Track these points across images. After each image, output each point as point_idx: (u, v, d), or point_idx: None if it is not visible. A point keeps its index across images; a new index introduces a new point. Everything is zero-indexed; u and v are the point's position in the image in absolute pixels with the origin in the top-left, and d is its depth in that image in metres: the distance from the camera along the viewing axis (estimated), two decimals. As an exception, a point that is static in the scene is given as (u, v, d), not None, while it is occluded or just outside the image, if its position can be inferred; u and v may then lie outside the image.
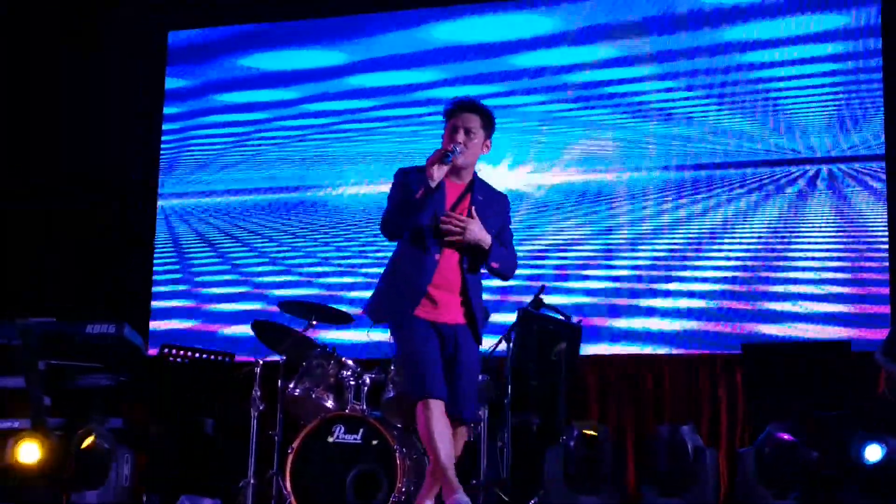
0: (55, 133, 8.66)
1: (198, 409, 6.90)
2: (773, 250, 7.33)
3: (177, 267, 8.44)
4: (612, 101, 7.76)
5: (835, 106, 7.36)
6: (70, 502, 6.20)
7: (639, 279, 7.45)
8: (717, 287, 7.26)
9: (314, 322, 6.33)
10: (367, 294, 4.80)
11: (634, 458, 6.95)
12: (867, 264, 7.12)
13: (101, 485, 6.01)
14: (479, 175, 4.75)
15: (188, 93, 8.71)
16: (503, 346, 5.95)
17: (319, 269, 8.14)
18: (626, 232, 7.65)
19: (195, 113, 8.67)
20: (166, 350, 6.56)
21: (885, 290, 6.94)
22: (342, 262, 8.09)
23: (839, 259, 7.20)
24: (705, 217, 7.55)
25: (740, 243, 7.41)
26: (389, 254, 4.75)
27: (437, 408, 4.46)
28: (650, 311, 7.33)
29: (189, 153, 8.66)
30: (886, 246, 7.02)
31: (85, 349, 6.38)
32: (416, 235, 4.55)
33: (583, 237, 7.72)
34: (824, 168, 7.35)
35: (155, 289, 8.35)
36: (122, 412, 6.71)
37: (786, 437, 5.57)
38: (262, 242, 8.37)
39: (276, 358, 6.33)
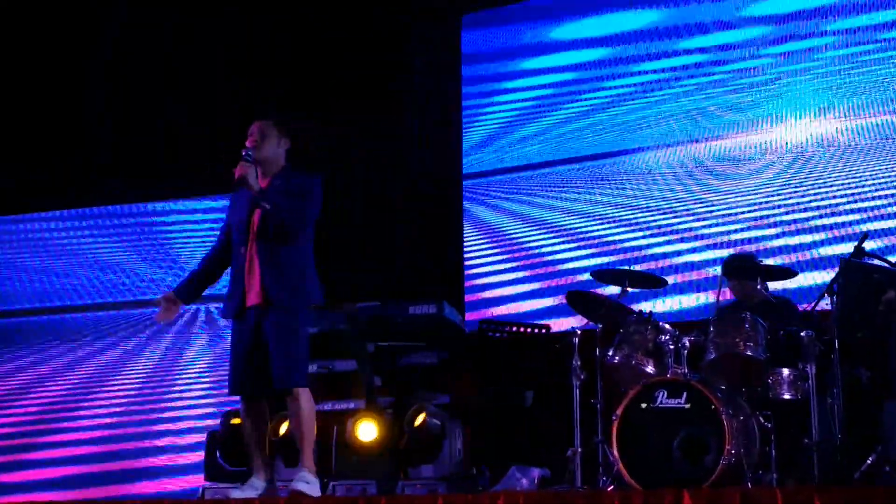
0: (363, 123, 9.07)
1: (518, 381, 7.05)
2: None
3: (486, 245, 8.64)
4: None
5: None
6: (407, 476, 6.51)
7: None
8: None
9: (628, 288, 6.32)
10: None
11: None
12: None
13: (436, 459, 6.26)
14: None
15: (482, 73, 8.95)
16: (826, 300, 5.76)
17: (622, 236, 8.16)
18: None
19: (491, 92, 8.89)
20: (485, 326, 6.74)
21: None
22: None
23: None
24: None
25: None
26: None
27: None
28: None
29: (485, 131, 8.86)
30: None
31: (409, 329, 6.65)
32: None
33: None
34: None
35: (467, 265, 8.58)
36: (447, 388, 6.95)
37: None
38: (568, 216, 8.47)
39: (593, 327, 6.37)
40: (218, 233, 5.74)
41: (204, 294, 5.65)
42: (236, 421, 6.58)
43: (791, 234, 7.50)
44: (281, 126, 5.62)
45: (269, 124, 5.58)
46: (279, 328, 5.30)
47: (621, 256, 7.96)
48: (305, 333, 5.39)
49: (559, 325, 7.48)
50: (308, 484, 5.27)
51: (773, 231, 7.57)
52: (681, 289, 7.60)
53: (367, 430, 6.48)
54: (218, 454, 6.78)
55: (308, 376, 5.41)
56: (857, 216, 7.29)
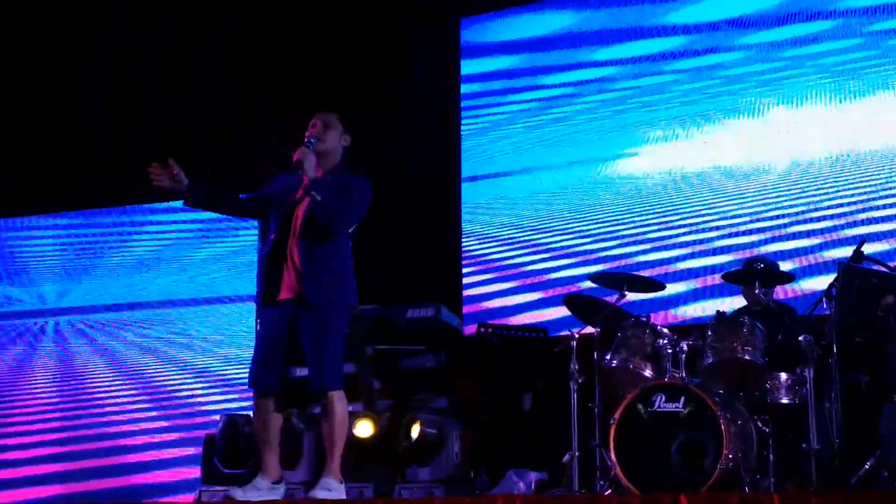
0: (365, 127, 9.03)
1: (516, 384, 7.05)
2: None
3: (483, 249, 8.63)
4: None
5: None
6: (405, 478, 6.51)
7: None
8: None
9: (626, 292, 6.30)
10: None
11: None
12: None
13: (434, 461, 6.26)
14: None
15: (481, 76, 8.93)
16: (824, 304, 5.76)
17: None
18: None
19: (490, 97, 8.86)
20: (482, 329, 6.73)
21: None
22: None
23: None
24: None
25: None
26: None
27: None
28: None
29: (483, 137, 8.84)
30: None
31: (408, 332, 6.65)
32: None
33: None
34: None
35: (465, 270, 8.56)
36: (446, 390, 6.94)
37: None
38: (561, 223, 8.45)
39: (591, 330, 6.36)
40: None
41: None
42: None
43: (789, 237, 7.52)
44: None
45: (334, 117, 5.50)
46: (314, 329, 5.16)
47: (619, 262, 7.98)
48: (341, 334, 5.24)
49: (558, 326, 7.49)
50: (329, 491, 5.12)
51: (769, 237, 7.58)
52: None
53: (364, 433, 6.48)
54: (215, 457, 6.77)
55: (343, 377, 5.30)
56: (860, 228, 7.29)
